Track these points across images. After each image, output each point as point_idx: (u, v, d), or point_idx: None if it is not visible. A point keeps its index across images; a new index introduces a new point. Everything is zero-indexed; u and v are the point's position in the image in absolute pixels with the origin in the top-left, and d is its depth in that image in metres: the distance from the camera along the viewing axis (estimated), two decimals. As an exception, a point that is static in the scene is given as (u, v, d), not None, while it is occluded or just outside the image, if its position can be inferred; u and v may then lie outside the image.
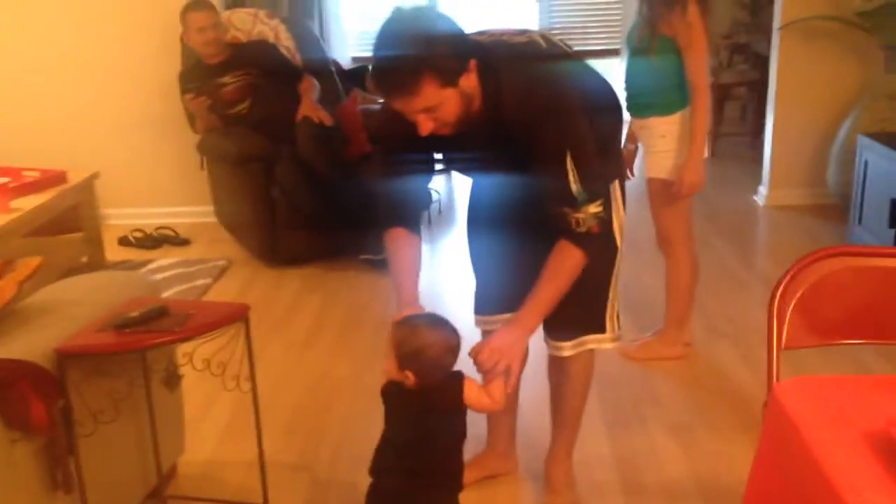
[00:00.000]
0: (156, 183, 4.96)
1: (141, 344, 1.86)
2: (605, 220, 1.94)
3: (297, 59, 4.48)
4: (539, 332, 2.06)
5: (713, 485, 2.40)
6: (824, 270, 1.82)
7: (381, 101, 2.03)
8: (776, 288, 1.81)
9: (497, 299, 2.26)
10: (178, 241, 4.66)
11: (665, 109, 2.84)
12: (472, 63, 1.76)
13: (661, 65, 2.80)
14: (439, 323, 1.79)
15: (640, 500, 2.35)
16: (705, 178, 2.85)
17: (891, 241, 3.67)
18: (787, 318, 1.80)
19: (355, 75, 4.91)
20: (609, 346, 2.21)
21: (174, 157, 4.86)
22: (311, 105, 4.12)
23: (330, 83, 4.56)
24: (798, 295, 1.81)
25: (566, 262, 1.90)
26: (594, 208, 1.87)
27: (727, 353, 3.16)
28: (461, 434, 1.84)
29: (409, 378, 1.74)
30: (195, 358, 1.98)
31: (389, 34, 1.71)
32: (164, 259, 4.38)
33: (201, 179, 4.54)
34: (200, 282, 4.00)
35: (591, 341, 2.17)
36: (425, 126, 1.77)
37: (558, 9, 6.44)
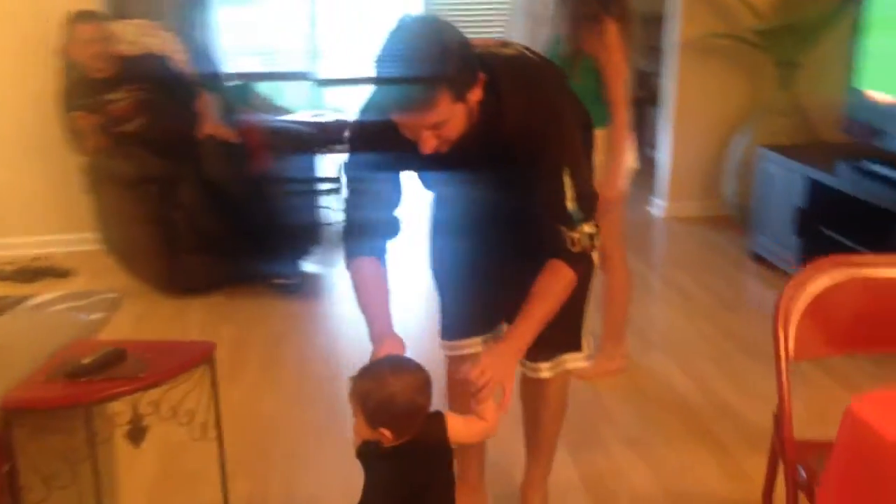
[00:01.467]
0: (27, 209, 4.51)
1: (103, 394, 1.62)
2: (597, 241, 1.86)
3: (190, 72, 4.20)
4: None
5: (685, 499, 2.37)
6: (824, 282, 1.81)
7: (360, 116, 1.87)
8: (779, 300, 1.79)
9: (467, 323, 2.15)
10: (59, 273, 4.24)
11: None
12: (481, 76, 1.65)
13: (584, 82, 2.79)
14: (400, 364, 1.61)
15: (620, 522, 2.29)
16: (625, 193, 2.88)
17: (796, 250, 3.82)
18: (794, 330, 1.77)
19: (239, 89, 4.67)
20: (583, 364, 2.15)
21: (48, 179, 4.44)
22: (213, 122, 3.86)
23: (224, 98, 4.30)
24: (800, 306, 1.79)
25: (559, 282, 1.81)
26: (589, 228, 1.81)
27: (664, 363, 3.18)
28: (451, 482, 1.68)
29: (386, 436, 1.54)
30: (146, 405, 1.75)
31: (400, 46, 1.58)
32: (47, 293, 3.96)
33: (79, 204, 4.15)
34: (95, 316, 3.63)
35: (569, 360, 2.11)
36: (429, 144, 1.64)
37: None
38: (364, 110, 1.85)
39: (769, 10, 4.41)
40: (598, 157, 2.79)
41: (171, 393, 1.75)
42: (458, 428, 1.61)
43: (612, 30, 2.74)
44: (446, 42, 1.58)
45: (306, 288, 3.93)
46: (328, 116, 4.96)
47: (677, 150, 4.79)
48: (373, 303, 1.84)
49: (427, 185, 2.03)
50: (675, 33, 4.60)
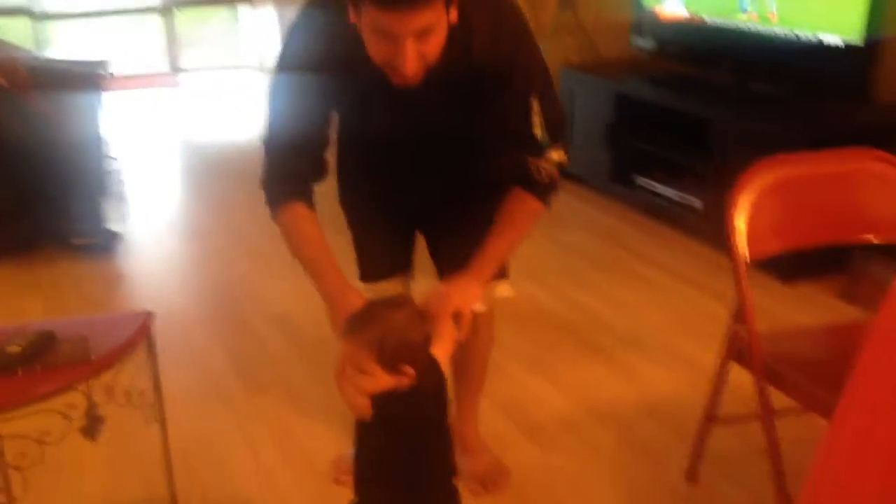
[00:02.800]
0: None
1: (54, 386, 1.28)
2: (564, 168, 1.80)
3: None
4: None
5: (600, 409, 2.42)
6: (770, 182, 1.87)
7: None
8: (731, 204, 1.83)
9: (388, 262, 2.04)
10: None
11: None
12: None
13: None
14: (392, 301, 1.52)
15: (545, 435, 2.31)
16: None
17: (608, 164, 4.01)
18: (746, 233, 1.83)
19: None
20: (509, 293, 2.09)
21: None
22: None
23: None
24: (747, 209, 1.85)
25: (524, 213, 1.76)
26: (557, 155, 1.74)
27: (524, 286, 3.19)
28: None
29: (409, 373, 1.41)
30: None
31: None
32: None
33: None
34: None
35: (499, 289, 2.04)
36: (411, 62, 1.48)
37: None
38: (304, 30, 1.67)
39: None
40: None
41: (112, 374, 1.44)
42: (440, 356, 1.49)
43: None
44: None
45: (112, 247, 3.46)
46: (94, 54, 4.35)
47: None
48: (318, 255, 1.69)
49: (364, 122, 1.82)
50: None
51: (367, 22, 1.48)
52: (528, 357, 2.69)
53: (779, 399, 1.79)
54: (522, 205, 1.74)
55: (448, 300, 1.57)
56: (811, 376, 1.78)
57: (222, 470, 2.14)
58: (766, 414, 1.79)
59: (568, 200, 3.97)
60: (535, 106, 1.69)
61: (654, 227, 3.76)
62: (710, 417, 2.06)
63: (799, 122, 3.21)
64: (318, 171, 1.77)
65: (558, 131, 1.74)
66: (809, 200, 1.92)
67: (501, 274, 2.00)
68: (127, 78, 5.90)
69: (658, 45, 4.05)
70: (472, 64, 1.63)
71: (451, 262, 1.83)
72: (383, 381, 1.39)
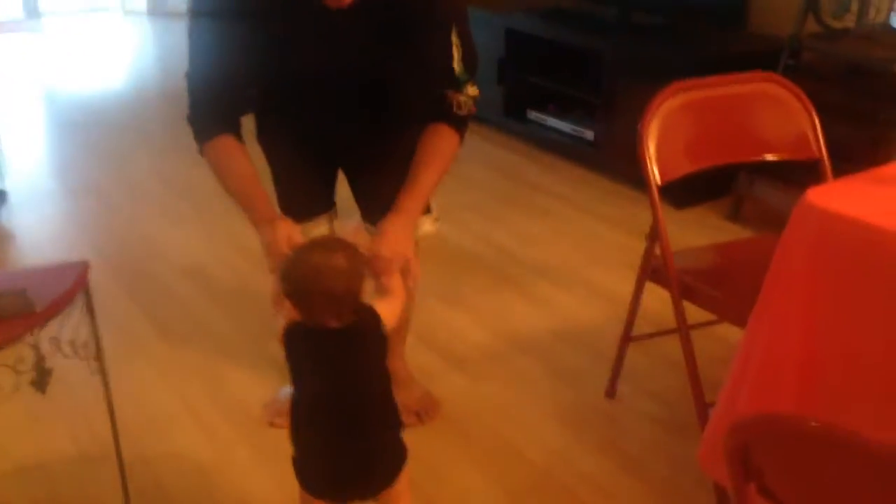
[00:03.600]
0: None
1: (2, 338, 1.24)
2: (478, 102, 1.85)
3: None
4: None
5: (516, 337, 2.52)
6: (672, 108, 1.97)
7: None
8: (641, 131, 1.92)
9: (311, 201, 2.04)
10: None
11: None
12: None
13: None
14: (325, 244, 1.47)
15: (470, 366, 2.39)
16: None
17: (500, 98, 4.07)
18: (655, 158, 1.92)
19: None
20: (432, 228, 2.12)
21: None
22: None
23: None
24: (656, 135, 1.94)
25: (446, 146, 1.79)
26: (472, 90, 1.80)
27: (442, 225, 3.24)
28: (387, 377, 1.55)
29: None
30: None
31: None
32: None
33: None
34: None
35: (424, 226, 2.06)
36: None
37: None
38: None
39: None
40: None
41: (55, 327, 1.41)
42: (386, 313, 1.50)
43: None
44: None
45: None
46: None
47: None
48: (246, 185, 1.69)
49: (286, 57, 1.79)
50: None
51: None
52: (445, 292, 2.75)
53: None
54: (444, 138, 1.78)
55: (392, 248, 1.59)
56: (719, 288, 1.92)
57: (156, 423, 2.13)
58: (683, 327, 1.92)
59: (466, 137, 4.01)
60: (455, 40, 1.73)
61: (549, 160, 3.87)
62: (627, 336, 2.18)
63: (681, 51, 3.36)
64: (244, 105, 1.77)
65: (474, 66, 1.79)
66: (711, 123, 2.03)
67: (427, 209, 2.04)
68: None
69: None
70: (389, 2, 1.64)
71: (374, 199, 1.85)
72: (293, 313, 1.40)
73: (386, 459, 1.50)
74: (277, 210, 1.68)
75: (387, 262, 1.57)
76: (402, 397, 2.15)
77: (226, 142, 1.71)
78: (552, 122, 3.90)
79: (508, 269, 2.92)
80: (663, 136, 1.96)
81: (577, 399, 2.24)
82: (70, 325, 1.40)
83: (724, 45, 3.44)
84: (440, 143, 1.78)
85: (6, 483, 1.93)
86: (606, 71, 3.53)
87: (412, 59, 1.73)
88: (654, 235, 1.96)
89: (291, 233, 1.57)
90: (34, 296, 1.33)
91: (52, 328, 1.36)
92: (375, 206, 1.83)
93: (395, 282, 1.58)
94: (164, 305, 2.66)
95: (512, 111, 4.07)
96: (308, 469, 1.49)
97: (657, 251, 1.97)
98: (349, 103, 1.88)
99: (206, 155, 1.73)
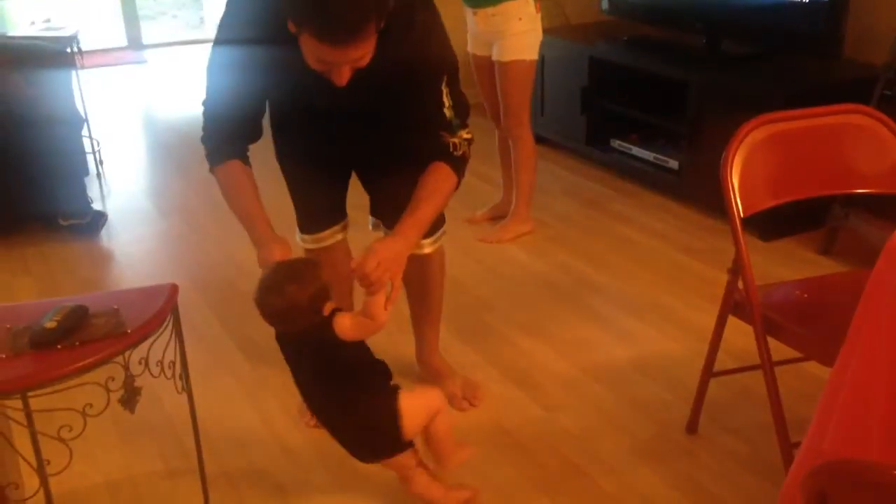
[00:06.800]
0: None
1: (95, 359, 1.31)
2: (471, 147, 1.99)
3: None
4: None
5: (596, 369, 2.50)
6: (757, 139, 1.93)
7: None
8: (725, 162, 1.89)
9: (325, 213, 2.25)
10: None
11: None
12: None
13: None
14: (294, 268, 1.69)
15: (546, 395, 2.38)
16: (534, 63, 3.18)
17: (583, 127, 4.07)
18: (738, 188, 1.89)
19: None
20: (429, 250, 2.23)
21: None
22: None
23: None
24: (740, 166, 1.91)
25: (445, 184, 1.90)
26: (466, 134, 1.93)
27: (523, 255, 3.26)
28: (348, 378, 1.76)
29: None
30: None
31: None
32: None
33: None
34: None
35: (441, 232, 2.24)
36: (345, 76, 1.66)
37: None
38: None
39: None
40: (529, 23, 3.09)
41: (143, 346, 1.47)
42: (346, 325, 1.67)
43: None
44: None
45: (99, 227, 3.44)
46: (62, 28, 4.26)
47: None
48: (248, 206, 1.86)
49: (295, 97, 1.96)
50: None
51: (306, 44, 1.62)
52: (524, 321, 2.76)
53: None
54: (443, 176, 1.91)
55: (378, 267, 1.70)
56: (806, 325, 1.87)
57: (239, 440, 2.19)
58: (767, 363, 1.87)
59: (547, 167, 4.02)
60: (445, 90, 1.88)
61: (632, 189, 3.83)
62: (709, 371, 2.14)
63: (771, 80, 3.29)
64: (252, 136, 1.94)
65: (465, 114, 1.96)
66: (797, 155, 1.99)
67: (443, 220, 2.22)
68: (93, 53, 5.80)
69: (627, 10, 4.11)
70: (387, 56, 1.74)
71: (390, 202, 2.00)
72: None
73: (382, 423, 1.74)
74: (272, 231, 1.80)
75: (365, 278, 1.69)
76: (449, 388, 2.32)
77: (234, 167, 1.89)
78: (636, 150, 3.87)
79: (589, 298, 2.90)
80: (748, 167, 1.93)
81: (657, 432, 2.20)
82: (158, 344, 1.46)
83: (816, 75, 3.36)
84: (440, 182, 1.89)
85: (96, 494, 2.01)
86: (693, 100, 3.48)
87: (408, 106, 1.89)
88: (737, 268, 1.93)
89: (284, 254, 1.72)
90: (126, 317, 1.39)
91: (141, 348, 1.42)
92: (392, 210, 1.94)
93: (377, 303, 1.69)
94: (249, 325, 2.74)
95: (595, 140, 4.05)
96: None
97: (740, 285, 1.93)
98: (355, 135, 2.05)
99: (216, 176, 1.91)
